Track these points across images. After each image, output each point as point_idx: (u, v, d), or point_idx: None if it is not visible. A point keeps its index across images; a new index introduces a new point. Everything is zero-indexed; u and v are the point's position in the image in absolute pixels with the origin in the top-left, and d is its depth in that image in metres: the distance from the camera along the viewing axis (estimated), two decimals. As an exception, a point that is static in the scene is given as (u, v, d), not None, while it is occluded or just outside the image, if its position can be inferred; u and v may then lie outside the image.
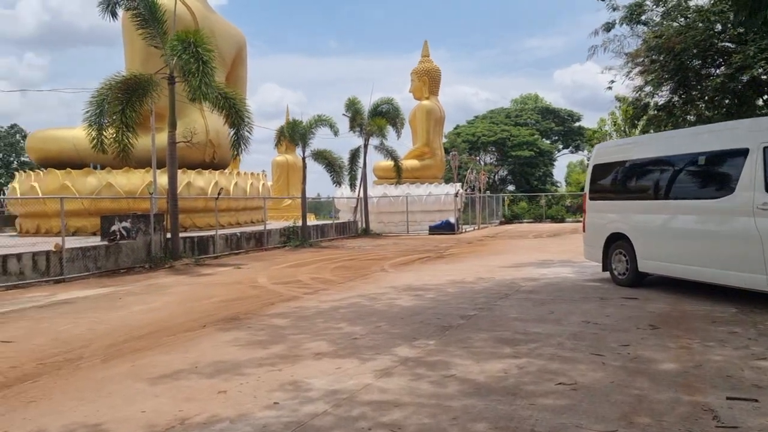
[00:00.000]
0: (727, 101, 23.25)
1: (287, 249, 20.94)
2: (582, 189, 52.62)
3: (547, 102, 67.51)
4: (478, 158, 53.63)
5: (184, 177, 20.71)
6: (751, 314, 7.42)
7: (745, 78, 21.29)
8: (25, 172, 21.78)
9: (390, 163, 28.96)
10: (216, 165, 23.22)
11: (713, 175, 8.28)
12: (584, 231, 11.00)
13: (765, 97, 22.42)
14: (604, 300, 8.67)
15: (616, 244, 10.02)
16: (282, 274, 13.47)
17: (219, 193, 18.27)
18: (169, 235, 15.79)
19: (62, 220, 13.53)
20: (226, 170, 23.24)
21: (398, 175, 28.04)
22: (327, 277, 12.72)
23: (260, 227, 21.18)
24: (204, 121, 22.27)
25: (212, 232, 18.41)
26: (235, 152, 16.04)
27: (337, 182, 22.89)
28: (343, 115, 27.15)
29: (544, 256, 15.70)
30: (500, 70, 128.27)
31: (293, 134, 21.28)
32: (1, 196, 32.10)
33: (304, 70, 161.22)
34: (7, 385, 5.40)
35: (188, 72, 13.93)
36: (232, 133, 15.83)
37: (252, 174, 24.65)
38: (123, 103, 14.18)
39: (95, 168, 20.30)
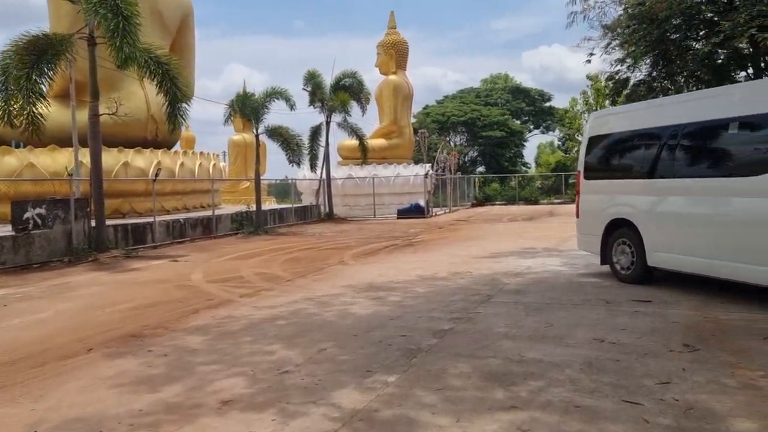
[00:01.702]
0: (707, 77, 21.61)
1: (239, 237, 18.86)
2: (553, 170, 51.87)
3: (517, 82, 65.97)
4: (448, 139, 51.82)
5: (120, 156, 18.41)
6: (806, 325, 5.74)
7: (730, 49, 19.85)
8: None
9: (355, 142, 26.88)
10: (160, 143, 20.89)
11: (749, 146, 6.54)
12: (578, 216, 9.23)
13: (750, 70, 20.82)
14: (611, 305, 6.90)
15: (619, 232, 8.27)
16: (222, 269, 11.47)
17: (157, 174, 16.06)
18: (95, 223, 13.59)
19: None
20: (172, 150, 20.92)
21: (364, 154, 26.04)
22: (274, 273, 10.77)
23: (209, 212, 19.02)
24: (144, 93, 19.89)
25: (162, 218, 16.28)
26: (172, 126, 13.84)
27: (295, 162, 20.77)
28: (303, 89, 24.97)
29: (524, 243, 13.97)
30: (469, 51, 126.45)
31: (244, 108, 19.06)
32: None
33: (270, 50, 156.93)
34: None
35: (107, 30, 11.68)
36: (166, 104, 13.60)
37: (201, 153, 22.37)
38: (29, 67, 11.86)
39: (17, 146, 17.85)
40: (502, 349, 5.21)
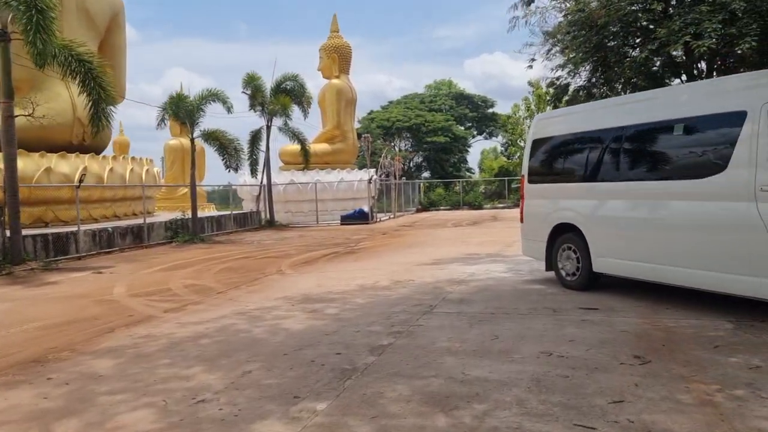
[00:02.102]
0: (643, 83, 22.08)
1: (173, 246, 17.94)
2: (496, 175, 52.39)
3: (461, 88, 66.55)
4: (393, 144, 51.64)
5: (42, 161, 17.22)
6: (754, 331, 5.56)
7: (665, 56, 20.35)
8: None
9: (297, 146, 26.19)
10: (88, 148, 19.70)
11: (696, 147, 6.37)
12: (522, 222, 8.96)
13: (683, 77, 21.37)
14: (558, 313, 6.61)
15: (564, 237, 8.03)
16: (150, 281, 10.69)
17: (81, 180, 15.02)
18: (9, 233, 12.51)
19: None
20: (101, 155, 19.75)
21: (306, 159, 25.41)
22: (206, 284, 10.08)
23: (140, 220, 18.01)
24: (69, 95, 18.71)
25: (88, 227, 15.22)
26: (95, 129, 12.91)
27: (232, 167, 19.95)
28: (243, 92, 24.18)
29: (468, 249, 13.71)
30: (413, 58, 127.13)
31: (177, 111, 18.16)
32: None
33: (212, 55, 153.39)
34: None
35: (20, 23, 10.75)
36: (89, 105, 12.67)
37: (133, 158, 21.26)
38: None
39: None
40: (445, 367, 4.79)
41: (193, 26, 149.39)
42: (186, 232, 19.12)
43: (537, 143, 8.61)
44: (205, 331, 6.48)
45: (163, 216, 21.62)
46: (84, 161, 18.34)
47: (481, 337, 5.70)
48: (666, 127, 6.54)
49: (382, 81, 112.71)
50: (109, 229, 16.19)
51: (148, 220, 19.00)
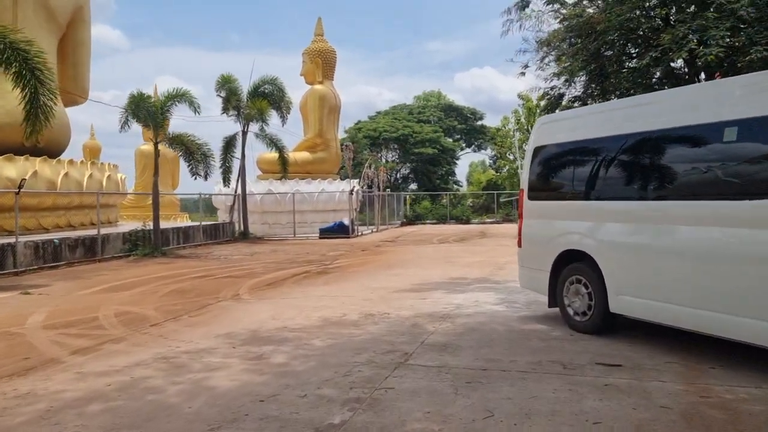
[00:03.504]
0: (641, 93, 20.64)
1: (130, 260, 16.26)
2: (484, 188, 51.20)
3: (450, 99, 65.32)
4: (379, 154, 50.19)
5: (-18, 164, 15.50)
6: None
7: (670, 62, 19.12)
8: None
9: (275, 154, 24.64)
10: (43, 151, 17.98)
11: (748, 159, 4.89)
12: (520, 246, 7.44)
13: (684, 89, 19.89)
14: (570, 371, 5.07)
15: (572, 267, 6.52)
16: (79, 307, 9.04)
17: (20, 185, 13.33)
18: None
19: None
20: (55, 159, 18.01)
21: (284, 168, 23.83)
22: (143, 312, 8.46)
23: (94, 231, 16.30)
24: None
25: (31, 237, 13.54)
26: (31, 129, 11.26)
27: (199, 174, 18.23)
28: (218, 95, 22.62)
29: (454, 271, 12.18)
30: (404, 71, 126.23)
31: (137, 112, 16.51)
32: None
33: (204, 64, 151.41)
34: None
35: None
36: (24, 99, 11.05)
37: (93, 163, 19.53)
38: None
39: None
40: (417, 475, 3.23)
41: (184, 34, 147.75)
42: (147, 244, 17.43)
43: (539, 151, 7.11)
44: (104, 390, 4.87)
45: (126, 226, 19.90)
46: (34, 165, 16.64)
47: (469, 412, 4.14)
48: (713, 131, 5.06)
49: (372, 93, 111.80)
50: (56, 240, 14.49)
51: (107, 230, 17.32)
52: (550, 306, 6.90)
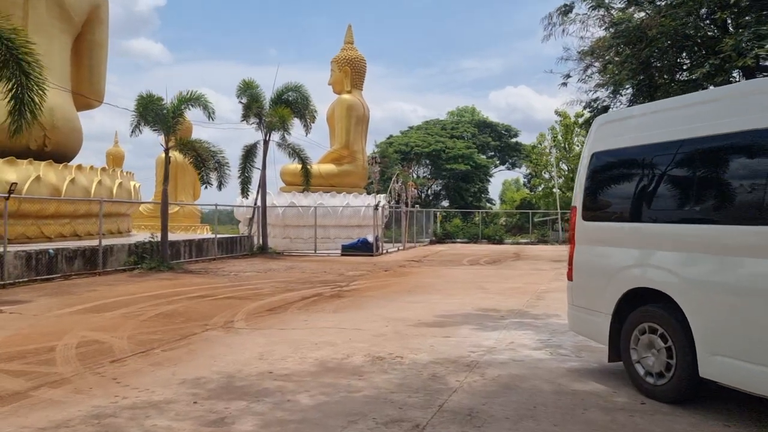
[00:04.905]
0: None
1: (134, 274, 15.08)
2: (518, 207, 49.44)
3: (484, 116, 63.63)
4: (409, 170, 48.76)
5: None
6: None
7: (732, 71, 17.37)
8: None
9: (299, 165, 23.39)
10: (50, 155, 17.05)
11: None
12: (570, 279, 5.84)
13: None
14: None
15: (644, 311, 4.92)
16: (46, 330, 7.77)
17: (11, 190, 12.23)
18: None
19: None
20: (62, 164, 16.98)
21: (306, 180, 22.55)
22: (111, 342, 7.10)
23: (96, 242, 15.16)
24: (26, 92, 16.07)
25: (24, 247, 12.46)
26: (15, 125, 10.13)
27: (209, 183, 16.94)
28: (239, 102, 21.53)
29: (485, 300, 10.59)
30: (438, 88, 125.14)
31: (145, 114, 15.38)
32: None
33: (241, 77, 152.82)
34: None
35: None
36: (8, 93, 9.92)
37: (104, 169, 18.50)
38: None
39: None
40: None
41: (224, 49, 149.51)
42: (155, 257, 16.24)
43: (599, 159, 5.54)
44: (-14, 473, 3.46)
45: (138, 237, 18.80)
46: (38, 169, 15.64)
47: None
48: None
49: (406, 109, 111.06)
50: (51, 251, 13.34)
51: (112, 241, 16.20)
52: (610, 360, 5.29)
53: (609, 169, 5.50)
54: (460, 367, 5.87)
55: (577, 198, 5.76)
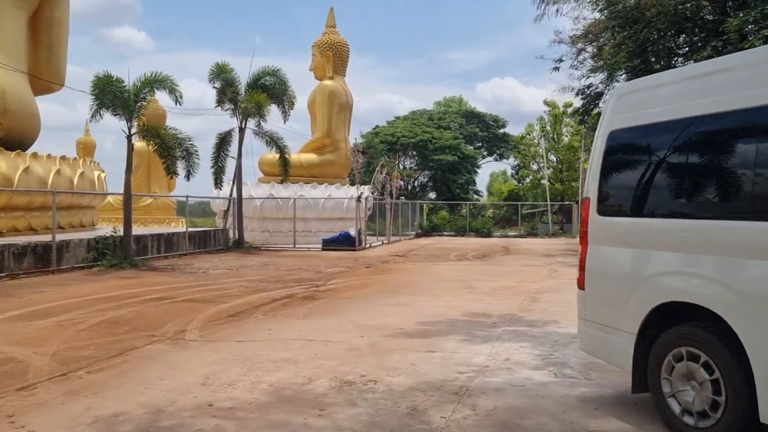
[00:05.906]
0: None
1: (93, 272, 13.87)
2: (506, 199, 48.62)
3: (471, 106, 62.52)
4: (395, 160, 47.62)
5: None
6: None
7: (742, 49, 16.39)
8: None
9: (278, 155, 22.16)
10: (1, 141, 15.69)
11: None
12: (582, 287, 4.74)
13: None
14: None
15: (681, 333, 3.84)
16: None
17: (-55, 181, 10.94)
18: None
19: None
20: (14, 152, 15.62)
21: (284, 170, 21.34)
22: (30, 359, 5.94)
23: (62, 236, 13.90)
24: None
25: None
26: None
27: (174, 173, 15.64)
28: (212, 87, 20.23)
29: (475, 303, 9.52)
30: (424, 79, 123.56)
31: (103, 97, 14.05)
32: None
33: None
34: None
35: None
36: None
37: (63, 158, 17.15)
38: None
39: None
40: None
41: (209, 37, 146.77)
42: (117, 253, 15.00)
43: (621, 138, 4.43)
44: None
45: (103, 231, 17.54)
46: (-11, 158, 14.32)
47: None
48: None
49: (393, 100, 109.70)
50: (-3, 247, 12.07)
51: (69, 236, 14.93)
52: (635, 391, 4.20)
53: (632, 151, 4.40)
54: (445, 396, 4.77)
55: (590, 187, 4.65)
